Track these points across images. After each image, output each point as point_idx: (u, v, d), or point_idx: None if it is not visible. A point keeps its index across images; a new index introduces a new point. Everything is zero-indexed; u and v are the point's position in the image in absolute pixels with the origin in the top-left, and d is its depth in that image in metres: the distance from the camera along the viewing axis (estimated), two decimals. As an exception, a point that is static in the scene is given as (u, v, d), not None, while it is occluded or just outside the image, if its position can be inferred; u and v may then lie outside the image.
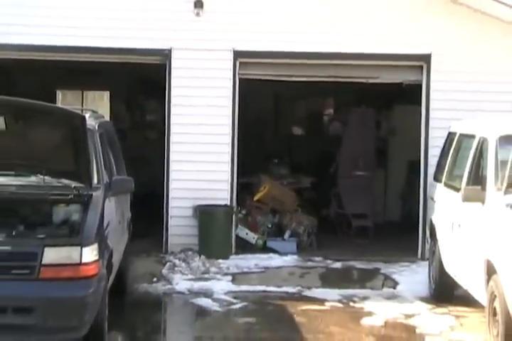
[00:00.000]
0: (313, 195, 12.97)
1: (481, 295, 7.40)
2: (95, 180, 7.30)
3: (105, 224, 6.99)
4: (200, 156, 10.77)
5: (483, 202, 7.44)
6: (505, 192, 7.00)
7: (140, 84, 14.76)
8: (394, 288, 9.50)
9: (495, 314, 6.88)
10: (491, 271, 6.98)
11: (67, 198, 7.00)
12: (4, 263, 6.24)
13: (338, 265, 10.36)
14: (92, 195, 7.01)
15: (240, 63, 10.96)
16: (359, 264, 10.35)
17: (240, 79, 10.97)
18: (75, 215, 6.86)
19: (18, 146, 7.16)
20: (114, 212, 7.79)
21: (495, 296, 6.87)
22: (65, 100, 14.07)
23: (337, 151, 13.26)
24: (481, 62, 10.75)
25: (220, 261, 10.24)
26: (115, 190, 7.67)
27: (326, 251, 10.99)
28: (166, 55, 10.88)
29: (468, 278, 7.91)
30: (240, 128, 11.04)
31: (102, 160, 7.69)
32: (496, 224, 7.05)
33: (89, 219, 6.65)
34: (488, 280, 7.05)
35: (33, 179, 7.24)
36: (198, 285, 9.34)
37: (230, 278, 9.69)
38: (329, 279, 9.83)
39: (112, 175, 8.13)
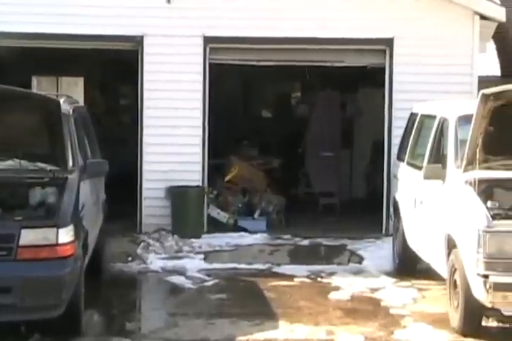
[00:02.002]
0: (281, 175, 13.00)
1: (442, 269, 7.45)
2: (70, 163, 7.25)
3: (80, 206, 6.95)
4: (173, 139, 10.74)
5: (443, 179, 7.49)
6: (465, 170, 7.04)
7: (114, 69, 14.64)
8: (360, 263, 9.56)
9: (455, 286, 6.94)
10: (451, 245, 7.04)
11: (43, 181, 6.96)
12: (-18, 245, 6.18)
13: (306, 242, 10.40)
14: (67, 177, 6.97)
15: (210, 48, 10.92)
16: (326, 241, 10.39)
17: (210, 64, 10.94)
18: (51, 197, 6.82)
19: (-6, 131, 7.09)
20: (89, 194, 7.75)
21: (455, 269, 6.93)
22: (40, 86, 13.90)
23: (304, 133, 13.28)
24: (441, 45, 10.78)
25: (193, 240, 10.25)
26: (90, 172, 7.64)
27: (294, 229, 11.04)
28: (138, 41, 10.82)
29: (430, 252, 7.97)
30: (211, 112, 11.02)
31: (76, 143, 7.64)
32: (456, 200, 7.11)
33: (65, 201, 6.62)
34: (448, 254, 7.11)
35: (9, 163, 7.17)
36: (171, 263, 9.35)
37: (202, 256, 9.70)
38: (298, 256, 9.87)
39: (87, 158, 8.08)
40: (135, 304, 8.37)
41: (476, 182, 6.77)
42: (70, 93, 10.00)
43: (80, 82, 12.97)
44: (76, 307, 6.62)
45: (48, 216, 6.51)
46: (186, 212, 10.51)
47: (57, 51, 11.37)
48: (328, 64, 11.29)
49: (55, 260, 6.26)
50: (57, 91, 13.10)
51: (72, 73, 13.81)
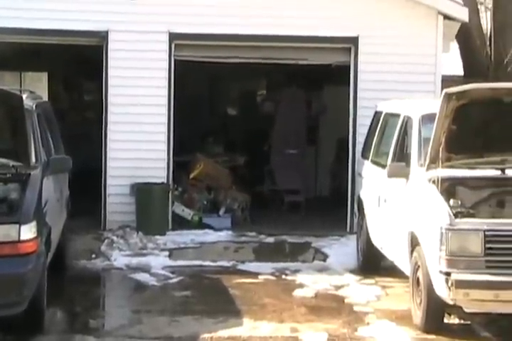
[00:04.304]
0: (246, 173, 12.99)
1: (405, 266, 7.51)
2: (33, 159, 7.19)
3: (43, 203, 6.90)
4: (138, 136, 10.69)
5: (407, 177, 7.54)
6: (428, 169, 7.10)
7: (78, 65, 14.53)
8: (324, 260, 9.59)
9: (418, 284, 7.00)
10: (414, 243, 7.09)
11: (5, 177, 6.89)
12: None
13: (270, 239, 10.40)
14: (30, 173, 6.91)
15: (176, 45, 10.87)
16: (291, 238, 10.39)
17: (175, 60, 10.89)
18: (13, 194, 6.75)
19: (-44, 126, 7.00)
20: (52, 190, 7.70)
21: (418, 267, 6.98)
22: (3, 81, 13.78)
23: (270, 130, 13.30)
24: (406, 44, 10.82)
25: (157, 237, 10.21)
26: (53, 168, 7.58)
27: (259, 226, 11.04)
28: (102, 36, 10.74)
29: (393, 250, 8.02)
30: (177, 109, 10.98)
31: (39, 139, 7.58)
32: (419, 198, 7.16)
33: (28, 197, 6.56)
34: (412, 252, 7.16)
35: (-29, 158, 7.09)
36: (135, 260, 9.32)
37: (166, 253, 9.68)
38: (262, 253, 9.88)
39: (50, 154, 8.02)
40: (99, 301, 8.32)
41: (439, 181, 6.83)
42: (34, 88, 9.92)
43: (43, 77, 12.88)
44: (38, 305, 6.57)
45: (10, 212, 6.44)
46: (151, 209, 10.47)
47: (20, 46, 11.25)
48: (293, 62, 11.29)
49: (17, 257, 6.21)
50: (21, 86, 12.98)
51: (35, 68, 13.72)
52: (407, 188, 7.52)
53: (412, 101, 8.68)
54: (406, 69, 10.73)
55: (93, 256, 9.45)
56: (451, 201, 6.70)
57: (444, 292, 6.47)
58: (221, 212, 11.34)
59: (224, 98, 15.65)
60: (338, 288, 8.40)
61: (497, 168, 7.18)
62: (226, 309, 7.62)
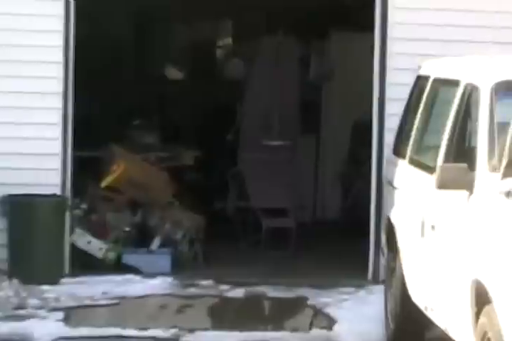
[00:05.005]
0: (199, 179, 13.02)
1: (466, 338, 7.56)
2: None
3: None
4: (12, 114, 10.78)
5: (470, 189, 7.55)
6: (505, 174, 7.13)
7: None
8: (329, 328, 9.66)
9: (488, 367, 7.06)
10: (482, 300, 7.11)
11: None
12: None
13: (239, 292, 10.45)
14: None
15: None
16: (273, 291, 10.46)
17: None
18: None
19: None
20: None
21: (488, 339, 7.03)
22: None
23: (238, 107, 13.33)
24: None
25: (46, 287, 10.30)
26: None
27: (219, 269, 11.15)
28: None
29: (446, 311, 8.06)
30: (79, 69, 11.04)
31: None
32: (490, 223, 7.19)
33: None
34: (477, 314, 7.21)
35: None
36: (7, 327, 9.37)
37: (61, 315, 9.73)
38: (225, 315, 9.94)
39: None
40: None
41: (524, 195, 6.88)
42: None
43: None
44: None
45: None
46: (34, 239, 10.53)
47: None
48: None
49: None
50: None
51: None
52: (470, 207, 7.56)
53: (480, 59, 8.74)
54: (467, 4, 10.82)
55: None
56: (544, 229, 6.76)
57: (530, 381, 6.54)
58: (154, 245, 11.45)
59: (161, 52, 15.69)
60: (352, 376, 8.53)
61: None
62: None
